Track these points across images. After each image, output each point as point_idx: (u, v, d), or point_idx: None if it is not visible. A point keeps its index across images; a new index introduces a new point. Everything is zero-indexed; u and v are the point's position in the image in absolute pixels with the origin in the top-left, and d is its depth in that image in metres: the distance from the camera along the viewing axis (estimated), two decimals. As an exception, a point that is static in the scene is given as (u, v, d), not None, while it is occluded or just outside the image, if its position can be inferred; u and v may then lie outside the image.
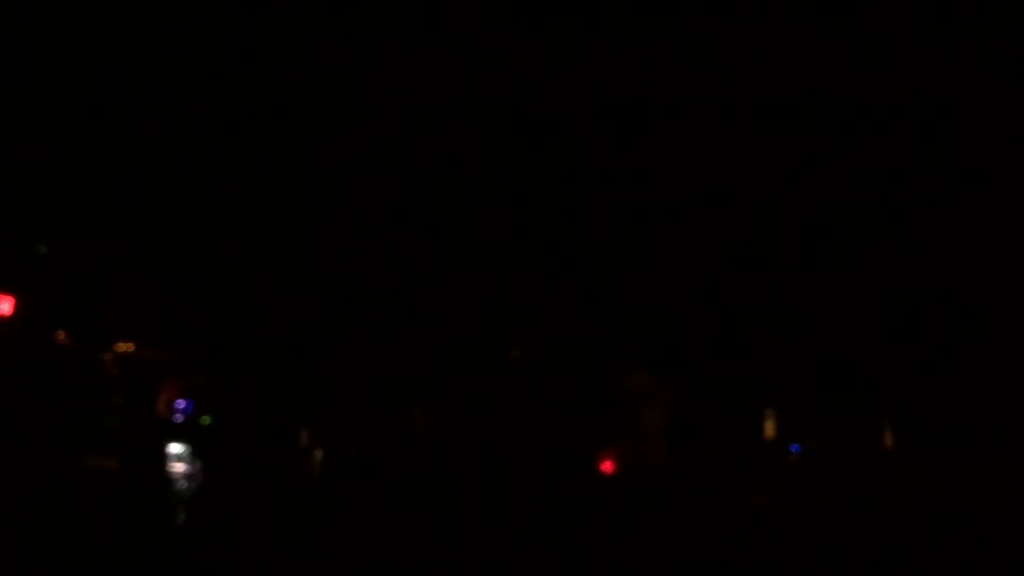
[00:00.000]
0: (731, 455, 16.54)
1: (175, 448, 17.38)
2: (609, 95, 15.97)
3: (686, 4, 15.56)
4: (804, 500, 15.43)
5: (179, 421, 17.90)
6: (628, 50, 15.68)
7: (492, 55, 15.65)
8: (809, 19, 15.46)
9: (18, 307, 16.32)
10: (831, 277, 16.74)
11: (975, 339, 16.27)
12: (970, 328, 16.29)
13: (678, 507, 14.25)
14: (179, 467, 16.76)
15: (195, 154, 16.73)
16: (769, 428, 17.30)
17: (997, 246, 16.10)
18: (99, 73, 16.00)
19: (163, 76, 16.22)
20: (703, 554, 12.30)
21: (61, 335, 17.14)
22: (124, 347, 17.73)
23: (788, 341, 17.29)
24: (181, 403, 17.98)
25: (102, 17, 15.71)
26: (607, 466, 14.41)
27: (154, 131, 16.52)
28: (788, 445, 17.20)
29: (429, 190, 16.63)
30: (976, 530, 13.28)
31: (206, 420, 17.79)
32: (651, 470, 13.99)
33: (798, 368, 17.28)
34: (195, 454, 17.19)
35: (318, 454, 17.22)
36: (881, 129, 15.98)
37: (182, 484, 16.19)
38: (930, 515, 14.36)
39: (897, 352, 16.90)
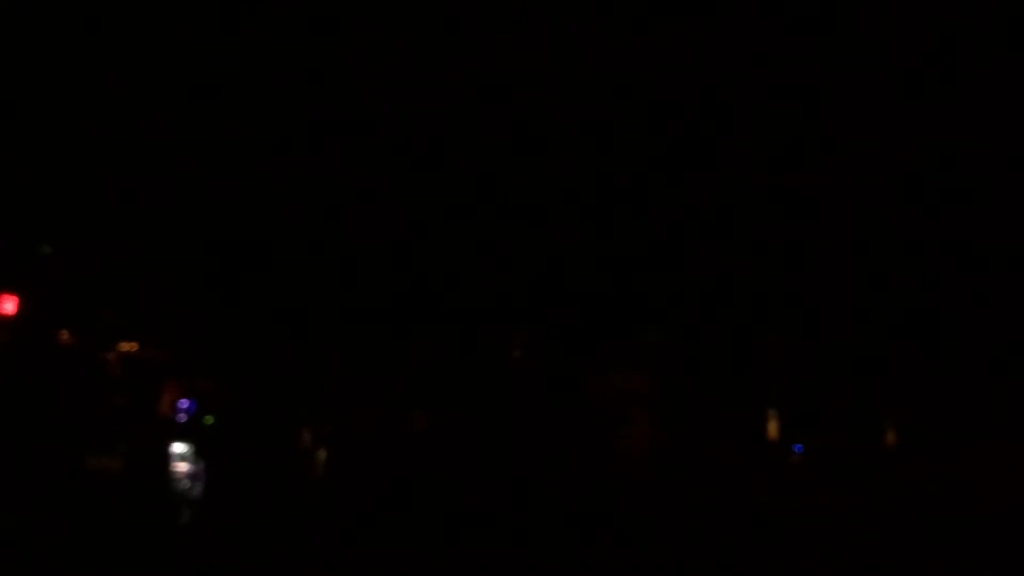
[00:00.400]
0: (734, 455, 16.55)
1: (178, 448, 17.40)
2: (608, 95, 15.97)
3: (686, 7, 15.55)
4: (806, 500, 15.44)
5: (182, 421, 17.94)
6: (627, 50, 15.69)
7: (493, 57, 15.66)
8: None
9: (21, 306, 16.34)
10: (832, 277, 16.73)
11: (976, 338, 16.26)
12: (971, 327, 16.28)
13: (678, 506, 14.28)
14: (182, 467, 16.78)
15: (198, 154, 16.74)
16: (772, 428, 17.30)
17: (998, 244, 16.08)
18: (101, 73, 16.02)
19: (165, 76, 16.23)
20: (704, 554, 12.32)
21: (64, 335, 17.15)
22: (127, 347, 17.74)
23: (789, 341, 17.29)
24: (184, 403, 18.01)
25: (104, 17, 15.73)
26: (597, 463, 14.48)
27: (157, 131, 16.53)
28: (791, 445, 17.21)
29: (430, 191, 16.64)
30: (977, 530, 13.28)
31: (209, 420, 17.82)
32: (640, 468, 14.04)
33: (800, 368, 17.27)
34: (198, 454, 17.22)
35: (321, 454, 17.24)
36: (879, 129, 15.97)
37: (185, 484, 16.21)
38: (931, 515, 14.35)
39: (899, 352, 16.89)
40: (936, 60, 15.15)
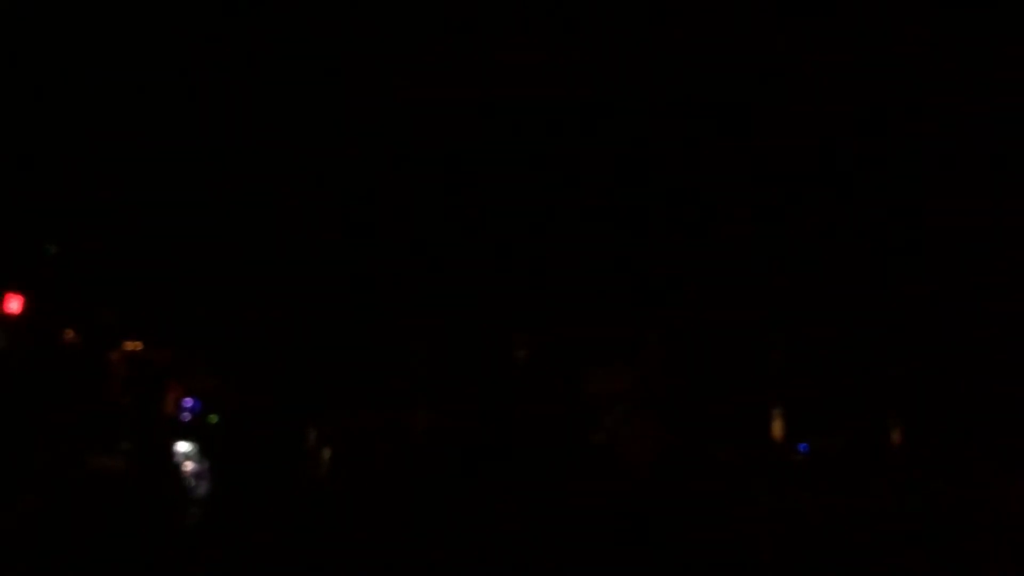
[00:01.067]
0: (735, 455, 16.55)
1: (183, 447, 17.44)
2: (607, 96, 15.98)
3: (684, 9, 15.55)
4: (811, 499, 15.42)
5: (186, 420, 17.97)
6: (629, 50, 15.70)
7: (494, 56, 15.66)
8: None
9: (27, 306, 16.40)
10: (836, 279, 16.74)
11: (980, 339, 16.24)
12: (974, 328, 16.26)
13: (681, 505, 14.28)
14: (187, 466, 16.81)
15: (202, 156, 16.79)
16: (777, 428, 17.30)
17: (1001, 247, 16.07)
18: (105, 75, 16.08)
19: (169, 78, 16.29)
20: (706, 553, 12.32)
21: (69, 334, 17.20)
22: (132, 346, 17.78)
23: (795, 342, 17.28)
24: (188, 402, 18.05)
25: (107, 19, 15.79)
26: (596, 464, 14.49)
27: (161, 133, 16.59)
28: (796, 445, 17.22)
29: (431, 193, 16.68)
30: (979, 529, 13.27)
31: (213, 419, 17.87)
32: (636, 467, 14.02)
33: (805, 369, 17.27)
34: (203, 453, 17.25)
35: (326, 453, 17.28)
36: (878, 129, 15.96)
37: (190, 483, 16.24)
38: (934, 514, 14.32)
39: (903, 353, 16.88)
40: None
